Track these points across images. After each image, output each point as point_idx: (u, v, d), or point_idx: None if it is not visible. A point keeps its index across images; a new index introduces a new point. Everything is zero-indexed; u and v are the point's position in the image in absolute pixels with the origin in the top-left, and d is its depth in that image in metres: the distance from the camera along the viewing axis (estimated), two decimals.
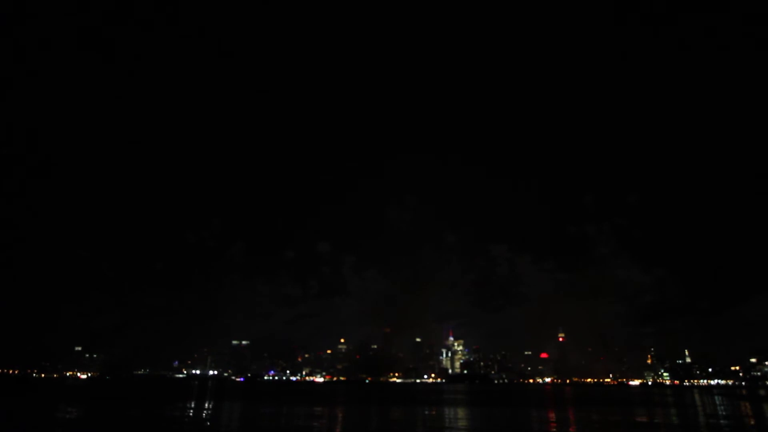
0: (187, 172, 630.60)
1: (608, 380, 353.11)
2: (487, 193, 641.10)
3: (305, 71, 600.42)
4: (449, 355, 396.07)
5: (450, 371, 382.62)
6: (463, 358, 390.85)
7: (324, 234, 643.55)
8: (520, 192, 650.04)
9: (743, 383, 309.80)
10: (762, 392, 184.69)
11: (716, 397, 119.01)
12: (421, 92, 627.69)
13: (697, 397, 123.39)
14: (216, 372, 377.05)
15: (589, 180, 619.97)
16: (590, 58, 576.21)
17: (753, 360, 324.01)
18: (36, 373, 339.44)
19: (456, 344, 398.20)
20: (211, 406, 64.18)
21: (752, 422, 50.50)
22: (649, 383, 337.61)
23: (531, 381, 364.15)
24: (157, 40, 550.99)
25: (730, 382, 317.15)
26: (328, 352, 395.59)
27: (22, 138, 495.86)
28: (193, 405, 65.11)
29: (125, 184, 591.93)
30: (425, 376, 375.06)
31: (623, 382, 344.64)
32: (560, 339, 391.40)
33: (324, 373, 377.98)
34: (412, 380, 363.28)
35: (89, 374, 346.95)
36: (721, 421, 51.08)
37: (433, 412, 59.27)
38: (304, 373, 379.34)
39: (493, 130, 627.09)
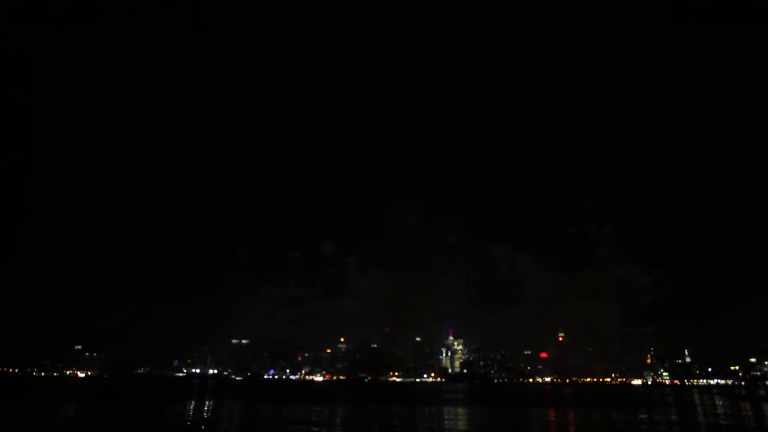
0: (195, 174, 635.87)
1: (608, 380, 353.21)
2: (489, 195, 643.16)
3: (310, 73, 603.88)
4: (449, 354, 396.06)
5: (450, 371, 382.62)
6: (463, 357, 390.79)
7: (328, 235, 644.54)
8: (521, 194, 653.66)
9: (743, 383, 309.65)
10: (762, 392, 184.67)
11: (716, 397, 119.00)
12: (424, 94, 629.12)
13: (696, 396, 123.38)
14: (216, 371, 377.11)
15: (590, 183, 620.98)
16: (592, 62, 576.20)
17: (753, 360, 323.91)
18: (36, 372, 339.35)
19: (456, 344, 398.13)
20: (210, 405, 64.17)
21: (752, 424, 50.53)
22: (649, 383, 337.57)
23: (531, 381, 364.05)
24: (164, 43, 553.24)
25: (729, 382, 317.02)
26: (328, 351, 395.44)
27: (29, 139, 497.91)
28: (192, 404, 65.10)
29: (133, 185, 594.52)
30: (425, 376, 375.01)
31: (624, 381, 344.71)
32: (560, 339, 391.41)
33: (324, 373, 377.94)
34: (412, 380, 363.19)
35: (89, 373, 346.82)
36: (721, 422, 51.09)
37: (433, 411, 59.24)
38: (303, 372, 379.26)
39: (495, 133, 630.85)
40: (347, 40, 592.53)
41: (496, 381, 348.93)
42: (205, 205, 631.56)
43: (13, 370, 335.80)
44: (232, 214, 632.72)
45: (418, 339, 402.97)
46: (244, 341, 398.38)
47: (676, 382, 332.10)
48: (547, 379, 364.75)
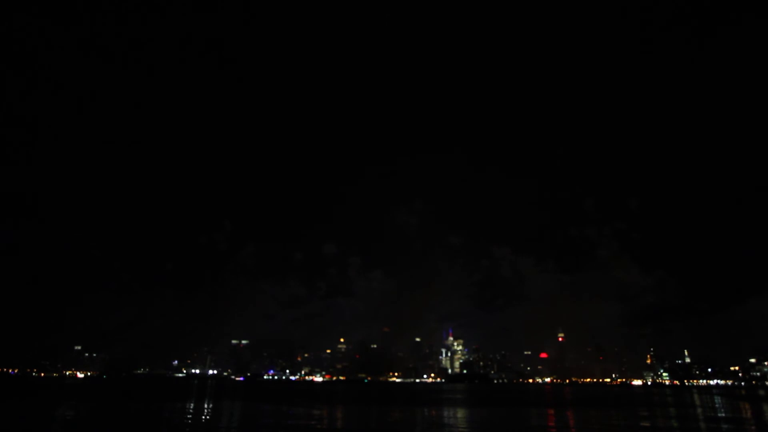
0: (198, 175, 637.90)
1: (608, 380, 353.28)
2: (490, 196, 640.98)
3: (313, 75, 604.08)
4: (449, 354, 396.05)
5: (449, 371, 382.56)
6: (463, 357, 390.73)
7: (330, 236, 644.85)
8: (522, 195, 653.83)
9: (743, 383, 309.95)
10: (761, 392, 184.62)
11: (716, 398, 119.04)
12: (426, 96, 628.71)
13: (696, 397, 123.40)
14: (215, 371, 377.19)
15: (591, 184, 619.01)
16: (592, 63, 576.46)
17: (752, 360, 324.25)
18: (36, 372, 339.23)
19: (455, 344, 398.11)
20: (210, 405, 64.14)
21: (752, 426, 50.53)
22: (649, 383, 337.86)
23: (530, 381, 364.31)
24: (167, 45, 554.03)
25: (729, 383, 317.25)
26: (328, 351, 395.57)
27: (31, 137, 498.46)
28: (192, 404, 65.06)
29: (136, 186, 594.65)
30: (425, 376, 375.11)
31: (624, 382, 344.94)
32: (560, 339, 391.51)
33: (323, 373, 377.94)
34: (412, 380, 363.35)
35: (89, 373, 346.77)
36: (722, 426, 51.09)
37: (433, 413, 59.24)
38: (303, 372, 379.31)
39: (496, 135, 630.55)
40: (351, 41, 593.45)
41: (495, 381, 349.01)
42: (209, 206, 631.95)
43: (13, 371, 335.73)
44: (235, 214, 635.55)
45: (417, 339, 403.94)
46: (244, 341, 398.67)
47: (676, 382, 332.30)
48: (547, 380, 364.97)
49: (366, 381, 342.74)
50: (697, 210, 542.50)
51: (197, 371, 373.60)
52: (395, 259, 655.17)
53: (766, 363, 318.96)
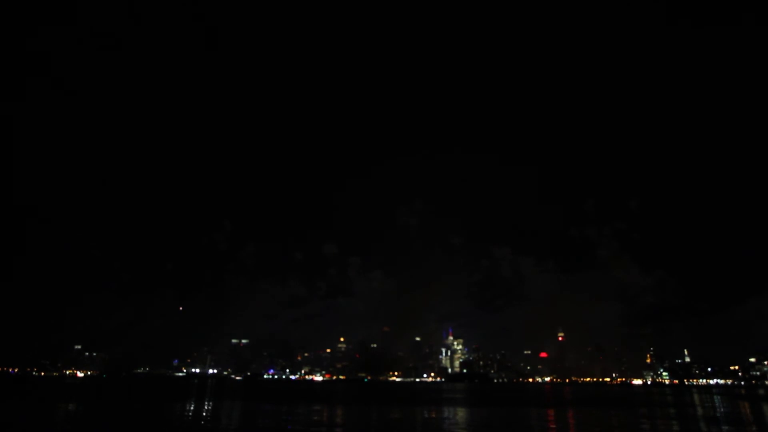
0: (199, 176, 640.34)
1: (608, 380, 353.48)
2: (491, 197, 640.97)
3: (313, 76, 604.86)
4: (449, 354, 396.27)
5: (449, 370, 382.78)
6: (463, 357, 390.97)
7: (331, 236, 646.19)
8: (522, 195, 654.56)
9: (742, 383, 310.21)
10: (761, 392, 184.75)
11: (715, 397, 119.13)
12: (427, 96, 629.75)
13: (696, 396, 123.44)
14: (216, 371, 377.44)
15: (591, 184, 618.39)
16: (592, 63, 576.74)
17: (752, 360, 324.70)
18: (36, 372, 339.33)
19: (455, 343, 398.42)
20: (210, 405, 64.13)
21: (752, 426, 50.52)
22: (649, 383, 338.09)
23: (530, 380, 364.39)
24: (168, 45, 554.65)
25: (729, 382, 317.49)
26: (328, 351, 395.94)
27: (33, 137, 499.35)
28: (192, 404, 65.05)
29: (137, 186, 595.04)
30: (425, 375, 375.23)
31: (624, 381, 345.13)
32: (560, 339, 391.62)
33: (323, 372, 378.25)
34: (412, 379, 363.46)
35: (88, 373, 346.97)
36: (722, 426, 51.08)
37: (433, 414, 59.22)
38: (303, 372, 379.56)
39: (496, 135, 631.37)
40: (350, 42, 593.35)
41: (495, 381, 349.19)
42: (209, 206, 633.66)
43: (13, 370, 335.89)
44: (235, 214, 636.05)
45: (417, 339, 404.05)
46: (244, 341, 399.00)
47: (676, 381, 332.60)
48: (547, 379, 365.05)
49: (366, 380, 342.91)
50: (697, 210, 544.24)
51: (197, 371, 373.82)
52: (395, 259, 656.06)
53: (766, 363, 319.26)
